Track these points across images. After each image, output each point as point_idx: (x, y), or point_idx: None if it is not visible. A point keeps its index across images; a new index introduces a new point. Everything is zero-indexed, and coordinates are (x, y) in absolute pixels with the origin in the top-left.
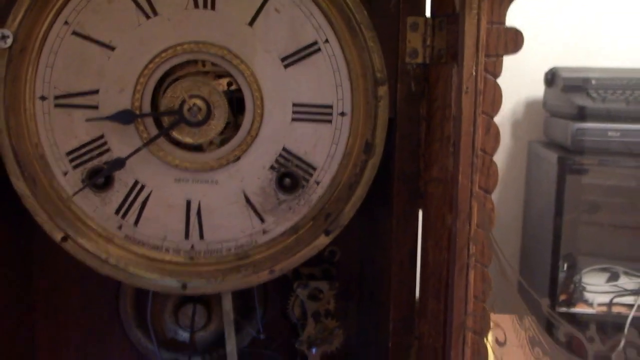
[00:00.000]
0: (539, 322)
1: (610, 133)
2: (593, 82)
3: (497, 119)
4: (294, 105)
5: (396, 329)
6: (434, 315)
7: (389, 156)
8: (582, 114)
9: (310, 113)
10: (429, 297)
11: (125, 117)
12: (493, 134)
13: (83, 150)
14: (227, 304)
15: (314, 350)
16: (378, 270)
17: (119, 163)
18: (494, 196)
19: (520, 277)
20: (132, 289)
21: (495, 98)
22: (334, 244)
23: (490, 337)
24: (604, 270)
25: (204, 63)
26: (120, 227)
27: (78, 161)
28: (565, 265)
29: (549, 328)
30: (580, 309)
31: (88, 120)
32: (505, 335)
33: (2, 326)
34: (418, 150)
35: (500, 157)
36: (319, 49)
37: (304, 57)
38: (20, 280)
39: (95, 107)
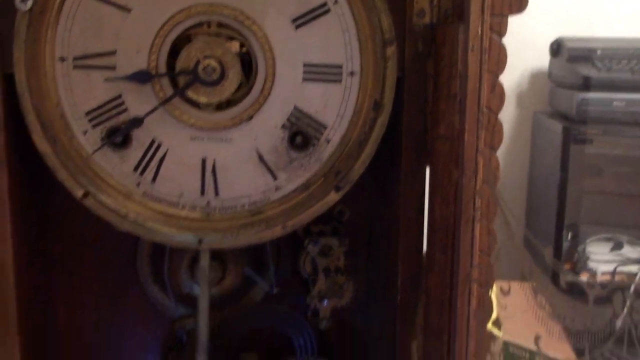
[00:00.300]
0: (544, 273)
1: (615, 103)
2: (598, 52)
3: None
4: (305, 65)
5: (404, 285)
6: (441, 268)
7: (397, 114)
8: (587, 84)
9: (321, 73)
10: (436, 251)
11: (142, 77)
12: (498, 92)
13: (101, 110)
14: (204, 261)
15: (325, 302)
16: (386, 227)
17: (137, 122)
18: (500, 166)
19: (531, 237)
20: (148, 246)
21: (500, 57)
22: (343, 204)
23: (495, 287)
24: (607, 239)
25: (213, 24)
26: (138, 185)
27: (97, 120)
28: (570, 235)
29: (554, 278)
30: (584, 277)
31: (106, 80)
32: (509, 284)
33: (21, 286)
34: (425, 108)
35: (505, 129)
36: (329, 10)
37: (314, 18)
38: (37, 242)
39: (113, 68)
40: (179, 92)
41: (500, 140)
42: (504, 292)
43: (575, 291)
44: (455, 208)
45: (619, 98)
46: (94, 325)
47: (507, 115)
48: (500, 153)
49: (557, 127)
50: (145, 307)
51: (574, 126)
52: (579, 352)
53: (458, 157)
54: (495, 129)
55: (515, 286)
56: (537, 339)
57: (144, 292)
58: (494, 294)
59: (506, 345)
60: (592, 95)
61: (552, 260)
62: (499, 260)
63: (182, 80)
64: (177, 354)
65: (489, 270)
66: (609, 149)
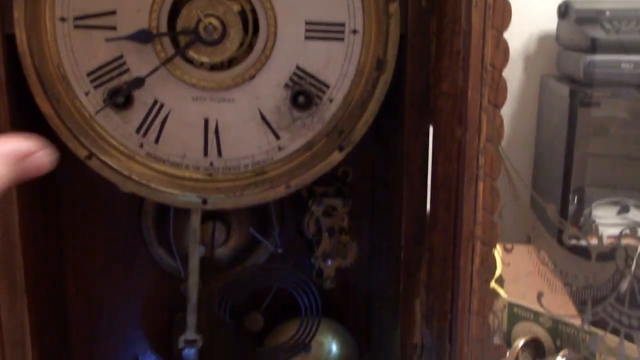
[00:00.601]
0: (547, 230)
1: (623, 65)
2: (607, 13)
3: (511, 54)
4: (307, 23)
5: (408, 242)
6: (444, 226)
7: (400, 72)
8: (594, 46)
9: (323, 31)
10: (439, 208)
11: (143, 37)
12: (502, 49)
13: (103, 70)
14: (195, 222)
15: (329, 262)
16: (390, 186)
17: (138, 82)
18: (506, 130)
19: (533, 193)
20: (153, 208)
21: (504, 13)
22: (347, 164)
23: (498, 247)
24: (614, 203)
25: None
26: (141, 145)
27: (99, 81)
28: (576, 199)
29: (559, 238)
30: (590, 241)
31: (107, 40)
32: (512, 245)
33: (29, 251)
34: (428, 65)
35: (512, 92)
36: None
37: None
38: (44, 207)
39: (114, 28)
40: (180, 51)
41: (504, 98)
42: (507, 250)
43: (580, 253)
44: (459, 166)
45: (627, 60)
46: (102, 289)
47: (515, 78)
48: (507, 117)
49: (565, 90)
50: (152, 270)
51: (581, 89)
52: (581, 309)
53: (461, 115)
54: (499, 86)
55: (521, 248)
56: (539, 296)
57: (150, 255)
58: (497, 253)
59: (510, 306)
60: (600, 57)
61: (557, 217)
62: (502, 220)
63: (183, 40)
64: (184, 315)
65: (492, 229)
66: (616, 111)
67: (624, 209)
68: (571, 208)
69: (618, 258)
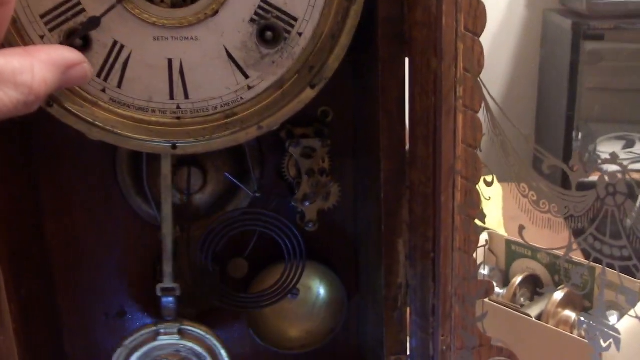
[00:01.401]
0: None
1: None
2: None
3: None
4: None
5: (388, 179)
6: (424, 161)
7: (372, 1)
8: None
9: None
10: (418, 143)
11: None
12: None
13: (57, 11)
14: (165, 168)
15: (306, 203)
16: (369, 123)
17: (94, 22)
18: (509, 67)
19: (510, 120)
20: (127, 156)
21: None
22: (327, 104)
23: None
24: (619, 138)
25: None
26: (104, 90)
27: (53, 24)
28: (580, 135)
29: (535, 164)
30: (595, 177)
31: None
32: (493, 176)
33: (7, 194)
34: None
35: (514, 29)
36: None
37: None
38: (20, 154)
39: None
40: None
41: (484, 25)
42: (487, 184)
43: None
44: (435, 99)
45: None
46: (83, 242)
47: (516, 15)
48: (510, 53)
49: (567, 23)
50: (132, 220)
51: (585, 21)
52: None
53: (436, 44)
54: (477, 12)
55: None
56: (521, 230)
57: (129, 205)
58: (479, 188)
59: (508, 243)
60: None
61: (534, 146)
62: (481, 152)
63: None
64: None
65: (474, 163)
66: (621, 44)
67: (629, 144)
68: (575, 144)
69: (599, 186)
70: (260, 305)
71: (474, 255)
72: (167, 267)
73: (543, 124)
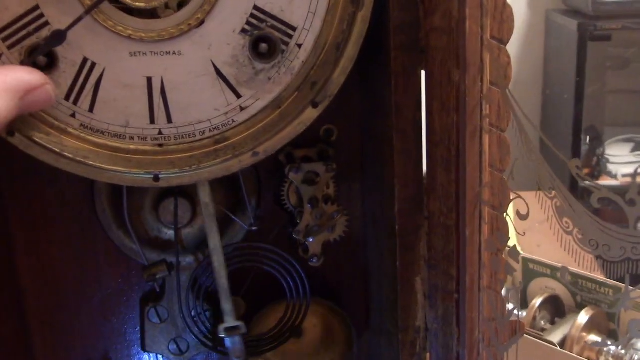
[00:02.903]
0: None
1: None
2: None
3: None
4: None
5: (403, 210)
6: (445, 189)
7: (382, 6)
8: None
9: None
10: (438, 168)
11: None
12: None
13: (17, 25)
14: (205, 196)
15: (310, 239)
16: (380, 144)
17: (59, 36)
18: (513, 70)
19: (548, 140)
20: (107, 187)
21: None
22: (331, 122)
23: (510, 210)
24: (627, 140)
25: None
26: (73, 115)
27: (13, 39)
28: (588, 138)
29: (579, 197)
30: (603, 181)
31: None
32: (527, 206)
33: None
34: None
35: (517, 30)
36: None
37: None
38: None
39: None
40: None
41: (511, 31)
42: (522, 217)
43: (605, 215)
44: (458, 117)
45: None
46: (62, 281)
47: (519, 16)
48: (512, 56)
49: (572, 24)
50: (114, 256)
51: (590, 22)
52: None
53: (458, 54)
54: (504, 16)
55: (528, 195)
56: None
57: (110, 240)
58: (509, 218)
59: (525, 261)
60: None
61: (578, 173)
62: (514, 179)
63: None
64: (154, 305)
65: (502, 190)
66: (628, 44)
67: (638, 146)
68: (584, 148)
69: None
70: (261, 350)
71: (503, 293)
72: (227, 305)
73: (549, 129)
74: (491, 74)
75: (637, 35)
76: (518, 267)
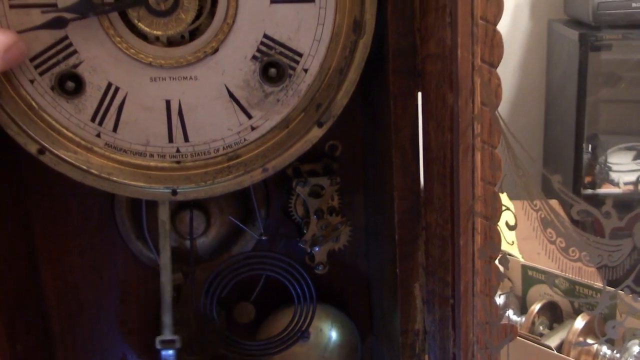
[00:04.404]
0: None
1: (634, 4)
2: None
3: (516, 0)
4: None
5: (402, 221)
6: (441, 202)
7: (382, 34)
8: None
9: None
10: (434, 182)
11: (83, 7)
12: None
13: (47, 54)
14: (163, 214)
15: (316, 248)
16: (381, 160)
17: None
18: (515, 80)
19: (532, 157)
20: (126, 200)
21: None
22: (335, 138)
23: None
24: (629, 149)
25: None
26: (98, 135)
27: (44, 67)
28: (590, 147)
29: (565, 209)
30: (606, 189)
31: (44, 12)
32: (515, 217)
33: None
34: (413, 23)
35: (519, 39)
36: None
37: None
38: (11, 196)
39: (54, 5)
40: (117, 9)
41: (501, 55)
42: (510, 227)
43: (597, 203)
44: (452, 135)
45: None
46: (83, 289)
47: (521, 26)
48: (515, 66)
49: (574, 34)
50: (131, 264)
51: (591, 32)
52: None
53: (452, 78)
54: (493, 42)
55: (517, 203)
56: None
57: (130, 250)
58: (499, 228)
59: (524, 268)
60: None
61: (560, 187)
62: (502, 191)
63: (132, 13)
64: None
65: (494, 202)
66: (629, 54)
67: None
68: (586, 156)
69: (635, 235)
70: (269, 352)
71: (496, 298)
72: (167, 318)
73: (552, 139)
74: (481, 95)
75: (638, 44)
76: (517, 274)
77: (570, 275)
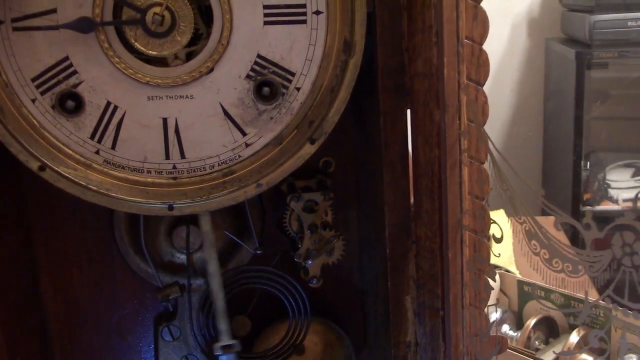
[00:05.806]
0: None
1: (630, 23)
2: None
3: (513, 19)
4: (265, 7)
5: (393, 234)
6: (430, 216)
7: (372, 54)
8: (600, 5)
9: (283, 14)
10: (423, 197)
11: (83, 25)
12: (480, 20)
13: (49, 74)
14: (206, 226)
15: (309, 262)
16: (372, 175)
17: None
18: (513, 98)
19: (517, 174)
20: (125, 215)
21: None
22: (329, 155)
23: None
24: (628, 166)
25: None
26: (97, 152)
27: (45, 86)
28: (589, 164)
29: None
30: (605, 206)
31: (44, 29)
32: (502, 230)
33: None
34: (401, 43)
35: (517, 58)
36: None
37: None
38: (13, 211)
39: (56, 28)
40: (117, 22)
41: (487, 74)
42: (497, 240)
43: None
44: (439, 151)
45: (634, 17)
46: (81, 302)
47: (519, 44)
48: (514, 84)
49: (570, 53)
50: (130, 277)
51: (588, 51)
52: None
53: (438, 96)
54: (480, 61)
55: (507, 231)
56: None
57: (127, 264)
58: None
59: (520, 284)
60: (606, 16)
61: (543, 201)
62: (488, 205)
63: (129, 33)
64: (167, 324)
65: (482, 215)
66: (626, 72)
67: (639, 171)
68: (584, 174)
69: (614, 246)
70: None
71: (485, 310)
72: (223, 324)
73: (550, 157)
74: (468, 112)
75: (634, 63)
76: (513, 289)
77: (566, 291)
